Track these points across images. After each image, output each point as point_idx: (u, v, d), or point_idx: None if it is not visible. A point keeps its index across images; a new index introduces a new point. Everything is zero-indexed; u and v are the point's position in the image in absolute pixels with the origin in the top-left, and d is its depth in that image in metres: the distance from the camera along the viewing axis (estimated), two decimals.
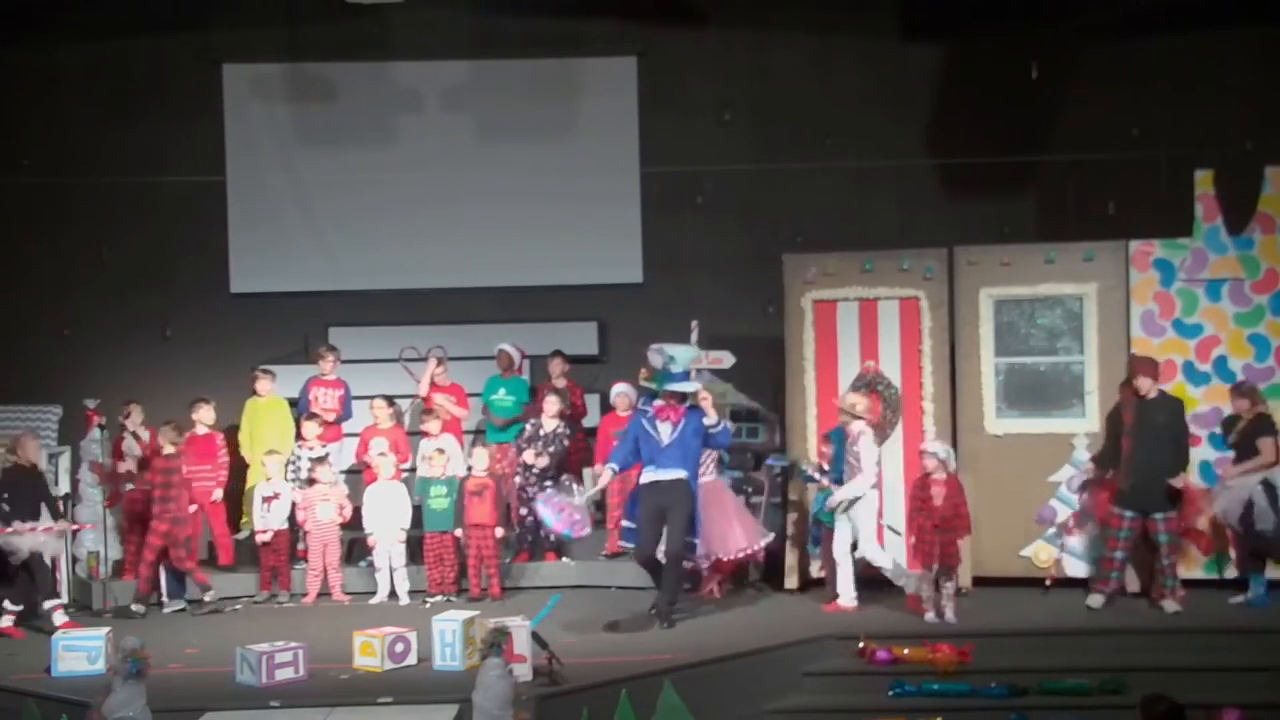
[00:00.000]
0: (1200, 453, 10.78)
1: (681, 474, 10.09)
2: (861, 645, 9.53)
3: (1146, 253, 11.06)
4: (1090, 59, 13.32)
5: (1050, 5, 13.18)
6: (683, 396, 10.17)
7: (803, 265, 11.51)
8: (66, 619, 10.47)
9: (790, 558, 11.20)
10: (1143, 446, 10.16)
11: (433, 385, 12.53)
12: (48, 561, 10.66)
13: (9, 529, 10.40)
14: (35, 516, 10.54)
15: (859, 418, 10.54)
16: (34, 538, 10.47)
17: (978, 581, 10.96)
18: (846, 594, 10.47)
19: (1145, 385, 10.26)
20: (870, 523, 10.53)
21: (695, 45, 14.02)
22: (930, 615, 10.04)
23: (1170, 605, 10.14)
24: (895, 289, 11.30)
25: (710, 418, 10.11)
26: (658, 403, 10.22)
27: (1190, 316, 11.00)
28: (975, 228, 12.39)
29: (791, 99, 13.87)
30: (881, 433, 11.17)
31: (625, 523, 10.41)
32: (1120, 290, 11.05)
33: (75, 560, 11.70)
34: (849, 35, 13.88)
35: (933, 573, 10.05)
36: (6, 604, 10.52)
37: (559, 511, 10.15)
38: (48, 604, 10.56)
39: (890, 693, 9.13)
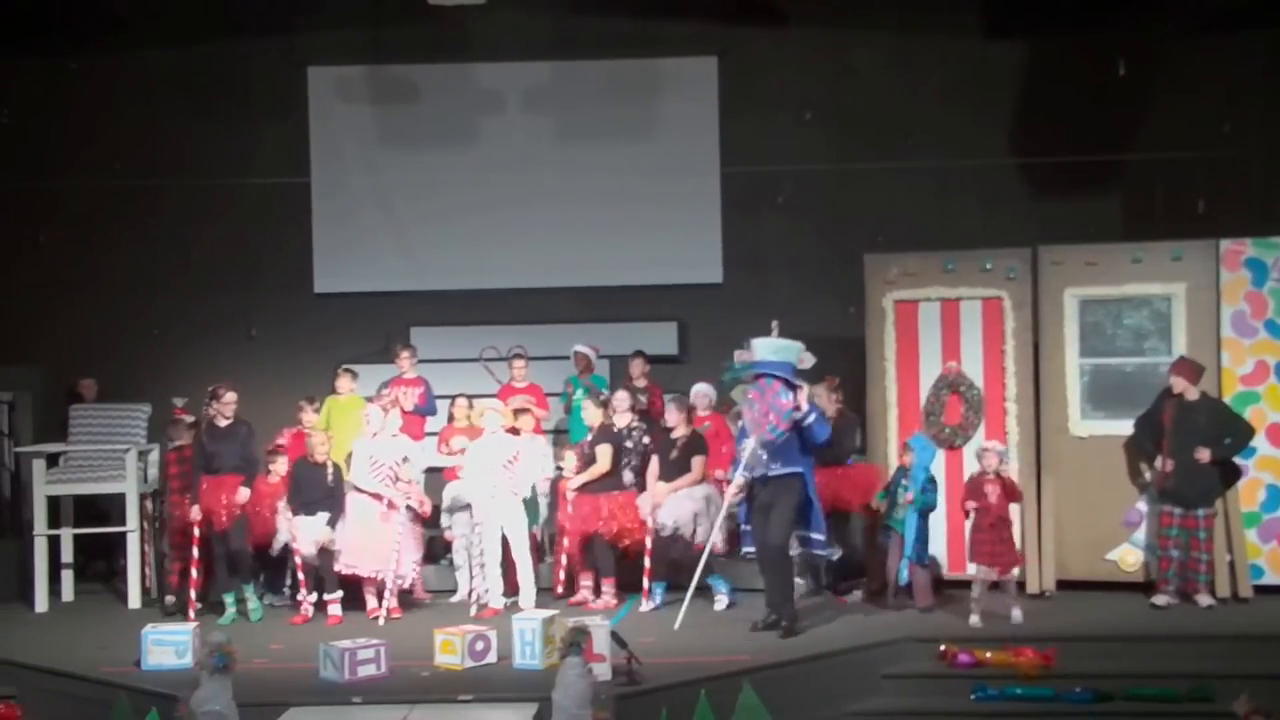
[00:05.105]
0: None
1: (792, 469, 9.80)
2: (943, 648, 9.45)
3: (1237, 252, 10.84)
4: (1179, 55, 13.10)
5: (1137, 1, 12.99)
6: (789, 387, 9.76)
7: (884, 265, 11.43)
8: (340, 614, 10.65)
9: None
10: (1183, 448, 10.16)
11: (510, 386, 12.57)
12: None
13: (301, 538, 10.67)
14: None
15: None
16: (314, 546, 10.71)
17: (1061, 585, 10.85)
18: (495, 596, 10.67)
19: (1180, 385, 10.27)
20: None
21: (775, 45, 13.96)
22: (974, 619, 9.86)
23: (1204, 599, 10.23)
24: (978, 289, 11.19)
25: (801, 410, 9.69)
26: (754, 407, 9.78)
27: None
28: (1059, 227, 12.22)
29: (872, 98, 13.77)
30: (964, 434, 11.10)
31: (744, 526, 10.15)
32: (1210, 290, 10.84)
33: (164, 556, 11.86)
34: (930, 34, 13.74)
35: (990, 574, 9.93)
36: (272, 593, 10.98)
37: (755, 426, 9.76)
38: (327, 596, 10.76)
39: (972, 696, 9.05)
